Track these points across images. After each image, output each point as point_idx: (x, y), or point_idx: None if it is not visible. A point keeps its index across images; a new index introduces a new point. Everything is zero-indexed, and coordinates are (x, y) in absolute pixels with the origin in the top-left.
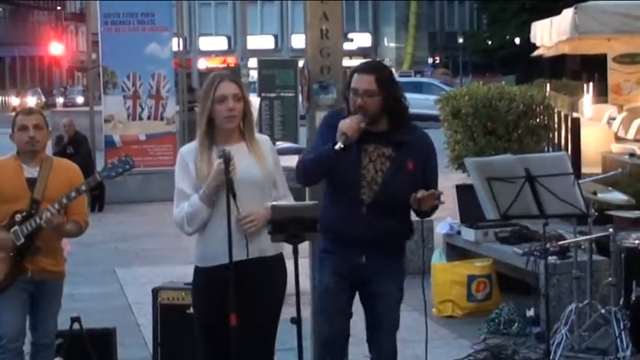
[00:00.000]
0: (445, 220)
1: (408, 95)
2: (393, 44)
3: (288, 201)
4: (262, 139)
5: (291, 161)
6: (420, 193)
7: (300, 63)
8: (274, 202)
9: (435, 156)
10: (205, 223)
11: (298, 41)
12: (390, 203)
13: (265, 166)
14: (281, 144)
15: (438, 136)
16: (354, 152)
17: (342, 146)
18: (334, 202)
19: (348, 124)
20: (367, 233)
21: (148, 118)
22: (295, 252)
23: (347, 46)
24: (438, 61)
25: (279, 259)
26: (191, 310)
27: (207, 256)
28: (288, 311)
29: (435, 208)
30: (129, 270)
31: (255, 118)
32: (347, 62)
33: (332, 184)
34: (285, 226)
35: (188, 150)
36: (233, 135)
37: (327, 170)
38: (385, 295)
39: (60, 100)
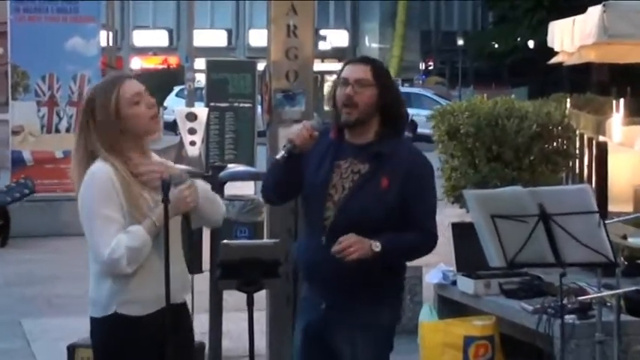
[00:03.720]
0: (437, 267)
1: None
2: (375, 45)
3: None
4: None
5: (247, 188)
6: (344, 244)
7: (260, 66)
8: (225, 240)
9: (432, 179)
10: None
11: (257, 38)
12: (350, 227)
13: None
14: (233, 167)
15: (431, 161)
16: (326, 169)
17: (284, 155)
18: (304, 229)
19: (296, 131)
20: (327, 269)
21: (67, 130)
22: (250, 303)
23: (321, 46)
24: (431, 67)
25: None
26: None
27: (148, 299)
28: None
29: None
30: (37, 321)
31: (201, 134)
32: (319, 66)
33: (303, 209)
34: (239, 269)
35: (110, 170)
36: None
37: (280, 179)
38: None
39: None
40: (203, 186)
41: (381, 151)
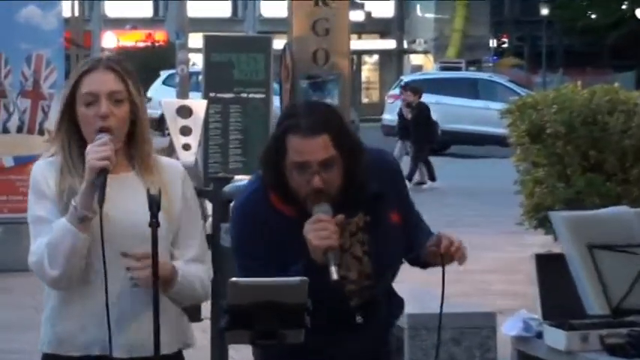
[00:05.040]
0: (516, 314)
1: (458, 100)
2: (430, 15)
3: (198, 266)
4: (169, 165)
5: None
6: (446, 243)
7: (278, 44)
8: (234, 278)
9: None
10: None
11: (272, 7)
12: (386, 287)
13: (171, 212)
14: (241, 179)
15: (506, 171)
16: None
17: (338, 274)
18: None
19: (328, 230)
20: (364, 348)
21: (19, 130)
22: None
23: (355, 16)
24: (505, 45)
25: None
26: None
27: (68, 336)
28: None
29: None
30: None
31: (198, 135)
32: (356, 44)
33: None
34: (252, 316)
35: (45, 164)
36: (116, 156)
37: None
38: None
39: None
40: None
41: (374, 190)
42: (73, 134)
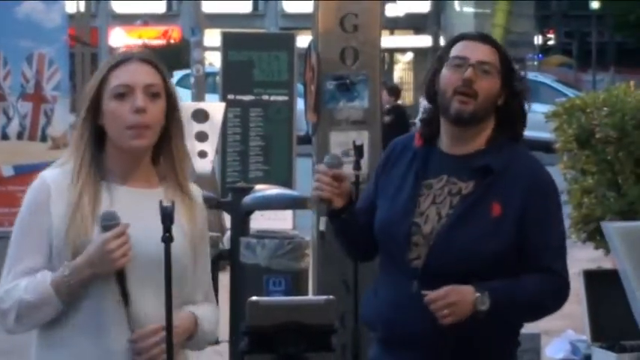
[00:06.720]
0: (562, 335)
1: None
2: (469, 9)
3: (210, 307)
4: (194, 188)
5: (282, 220)
6: (439, 303)
7: (302, 41)
8: (254, 297)
9: (557, 200)
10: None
11: (296, 1)
12: (448, 270)
13: (193, 238)
14: (262, 189)
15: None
16: (409, 191)
17: (324, 225)
18: (382, 276)
19: (320, 182)
20: (421, 326)
21: (20, 136)
22: None
23: (389, 11)
24: (552, 42)
25: None
26: None
27: None
28: None
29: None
30: None
31: (215, 141)
32: (387, 41)
33: (380, 248)
34: (276, 339)
35: (56, 177)
36: (139, 167)
37: (353, 242)
38: None
39: None
40: (208, 317)
41: (489, 165)
42: (93, 144)
